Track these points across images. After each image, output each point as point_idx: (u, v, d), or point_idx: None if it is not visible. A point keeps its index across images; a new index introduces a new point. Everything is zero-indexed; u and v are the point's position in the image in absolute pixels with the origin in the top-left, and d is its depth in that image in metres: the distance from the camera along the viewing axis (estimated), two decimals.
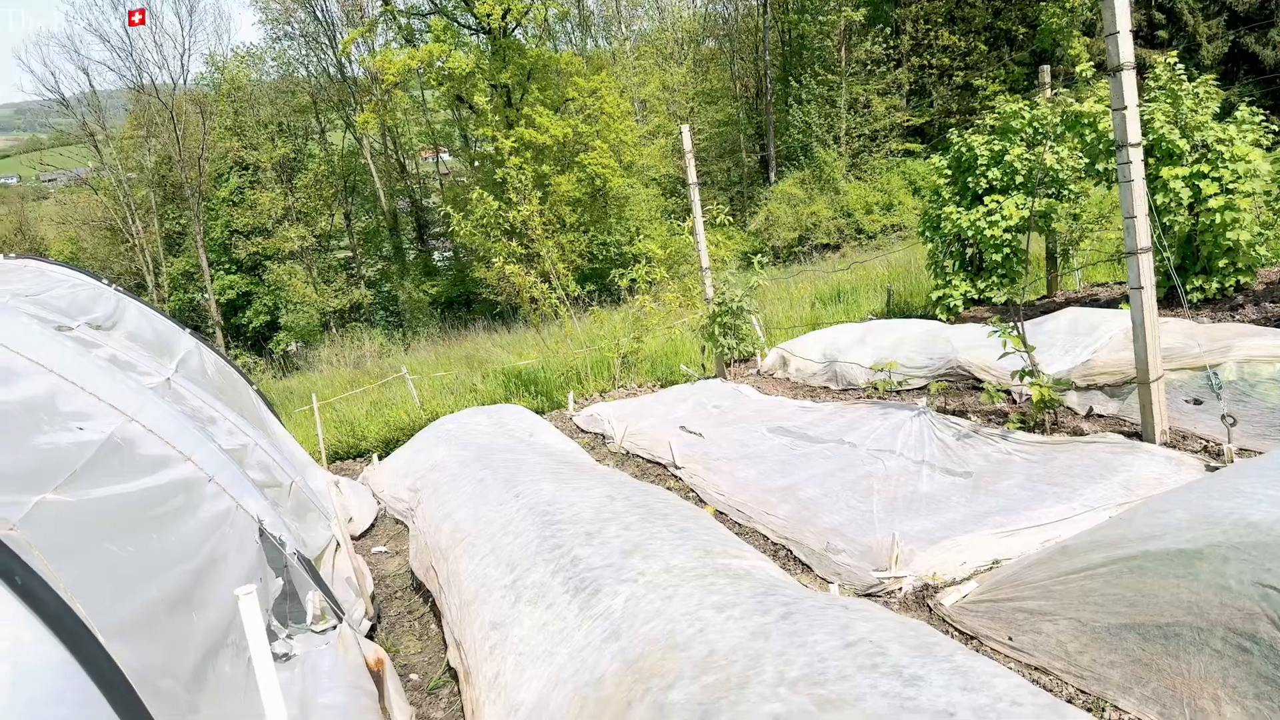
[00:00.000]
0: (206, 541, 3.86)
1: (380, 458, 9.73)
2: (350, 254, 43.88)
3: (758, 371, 11.26)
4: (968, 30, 37.97)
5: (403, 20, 39.19)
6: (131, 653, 2.64)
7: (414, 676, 4.80)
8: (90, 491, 3.17)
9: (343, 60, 42.69)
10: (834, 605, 3.30)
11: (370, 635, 5.25)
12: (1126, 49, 5.35)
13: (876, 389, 8.82)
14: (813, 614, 3.19)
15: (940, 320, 11.15)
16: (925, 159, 33.07)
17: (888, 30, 38.59)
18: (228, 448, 5.37)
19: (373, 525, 7.76)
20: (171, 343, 7.27)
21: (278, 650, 4.34)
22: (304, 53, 43.69)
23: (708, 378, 11.23)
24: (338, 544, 6.02)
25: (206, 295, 39.49)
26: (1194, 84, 9.14)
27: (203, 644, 3.32)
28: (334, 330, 38.62)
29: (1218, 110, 9.17)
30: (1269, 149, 9.29)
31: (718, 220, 11.70)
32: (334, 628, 4.47)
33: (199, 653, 3.26)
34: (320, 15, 42.78)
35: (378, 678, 4.17)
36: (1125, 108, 5.38)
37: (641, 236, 34.51)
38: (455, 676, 4.50)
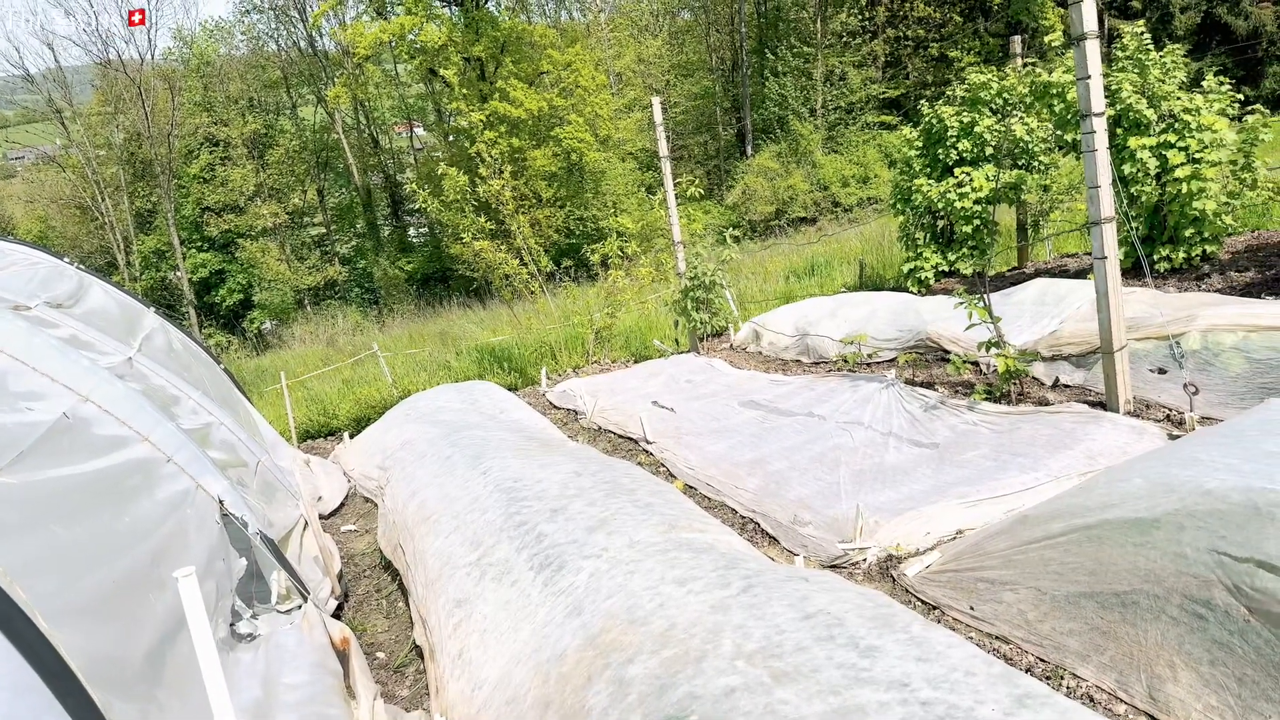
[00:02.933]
0: (164, 522, 3.81)
1: (352, 436, 9.66)
2: (324, 231, 43.38)
3: (731, 346, 11.25)
4: (943, 1, 37.83)
5: None
6: (82, 636, 2.60)
7: (381, 655, 4.78)
8: (37, 473, 3.11)
9: (313, 34, 41.96)
10: (794, 578, 3.30)
11: (338, 614, 5.22)
12: (1090, 18, 5.34)
13: (847, 361, 8.83)
14: (773, 586, 3.19)
15: (912, 293, 11.17)
16: (900, 131, 33.03)
17: (863, 1, 38.37)
18: (190, 427, 5.30)
19: (343, 504, 7.72)
20: (135, 321, 7.16)
21: (242, 630, 4.30)
22: (274, 26, 42.93)
23: (681, 352, 11.22)
24: (306, 523, 5.97)
25: (179, 273, 38.90)
26: (1162, 54, 9.15)
27: (161, 625, 3.29)
28: (308, 308, 38.22)
29: (1185, 80, 9.19)
30: (1236, 119, 9.32)
31: (689, 193, 11.63)
32: (299, 607, 4.44)
33: (157, 634, 3.22)
34: None
35: (343, 657, 4.15)
36: (1089, 77, 5.38)
37: (618, 211, 34.30)
38: (421, 654, 4.49)
